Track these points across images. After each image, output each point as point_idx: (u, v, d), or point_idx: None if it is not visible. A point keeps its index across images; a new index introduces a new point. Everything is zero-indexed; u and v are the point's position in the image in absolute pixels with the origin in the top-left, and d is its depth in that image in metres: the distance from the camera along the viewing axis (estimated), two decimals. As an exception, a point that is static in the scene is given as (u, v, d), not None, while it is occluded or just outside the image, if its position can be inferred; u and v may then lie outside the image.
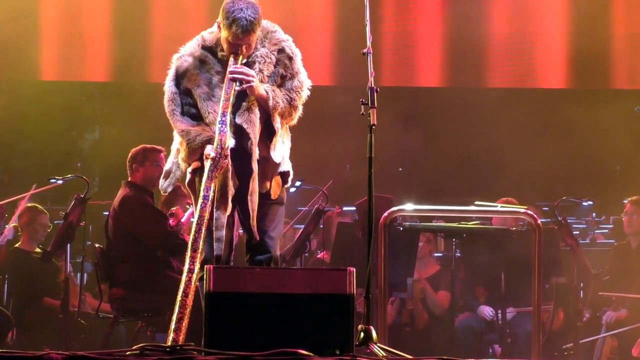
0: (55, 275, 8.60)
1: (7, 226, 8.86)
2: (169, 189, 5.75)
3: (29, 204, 8.85)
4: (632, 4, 11.08)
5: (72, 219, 7.76)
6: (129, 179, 7.79)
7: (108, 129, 12.59)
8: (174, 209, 7.69)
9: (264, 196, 5.60)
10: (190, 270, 5.18)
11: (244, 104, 5.51)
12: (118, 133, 11.25)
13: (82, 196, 7.80)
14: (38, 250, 8.51)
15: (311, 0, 11.28)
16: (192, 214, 7.39)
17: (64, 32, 10.91)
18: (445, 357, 4.60)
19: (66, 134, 12.58)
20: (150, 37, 10.93)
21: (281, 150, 5.64)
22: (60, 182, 8.60)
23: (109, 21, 10.95)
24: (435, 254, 9.40)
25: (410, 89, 11.83)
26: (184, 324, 5.06)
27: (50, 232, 8.72)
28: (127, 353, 4.53)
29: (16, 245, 8.80)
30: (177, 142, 5.65)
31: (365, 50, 5.36)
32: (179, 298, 5.11)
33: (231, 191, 5.43)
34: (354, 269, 4.74)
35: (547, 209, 10.59)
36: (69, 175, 8.45)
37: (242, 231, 5.78)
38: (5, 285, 8.69)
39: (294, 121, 5.69)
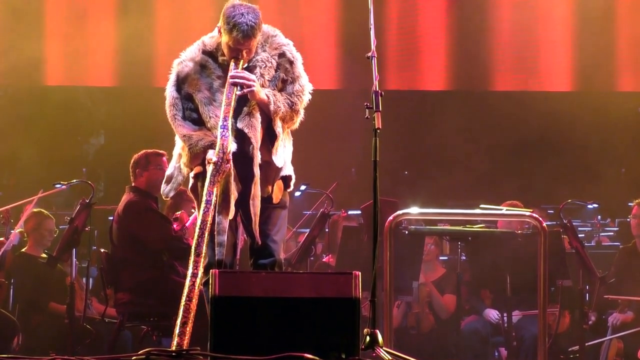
0: (61, 280, 8.60)
1: (12, 231, 8.87)
2: (171, 194, 5.75)
3: (34, 209, 8.86)
4: (636, 7, 11.08)
5: (77, 224, 7.76)
6: (133, 184, 7.79)
7: (113, 134, 12.62)
8: (178, 213, 7.69)
9: (266, 200, 5.61)
10: (194, 275, 5.19)
11: (245, 108, 5.51)
12: (123, 138, 11.27)
13: (88, 201, 7.82)
14: (44, 255, 8.52)
15: (316, 4, 11.29)
16: (196, 218, 7.40)
17: (69, 37, 10.93)
18: (450, 361, 4.61)
19: (71, 139, 12.60)
20: (155, 41, 10.94)
21: (283, 155, 5.63)
22: (65, 187, 8.60)
23: (114, 26, 10.97)
24: (441, 257, 9.40)
25: (415, 92, 11.84)
26: (188, 328, 5.07)
27: (55, 237, 8.73)
28: (133, 358, 4.54)
29: (22, 250, 8.80)
30: (179, 147, 5.66)
31: (369, 54, 5.36)
32: (182, 302, 5.12)
33: (234, 195, 5.44)
34: (360, 273, 4.73)
35: (552, 211, 10.58)
36: (74, 180, 8.46)
37: (246, 235, 5.78)
38: (11, 290, 8.70)
39: (296, 125, 5.69)
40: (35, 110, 11.29)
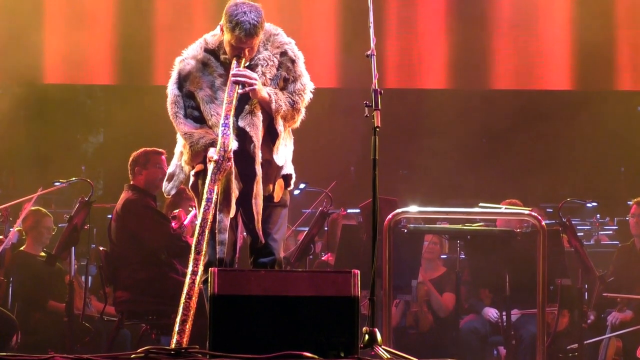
0: (59, 279, 8.60)
1: (11, 229, 8.86)
2: (173, 192, 5.76)
3: (33, 207, 8.85)
4: (635, 6, 11.08)
5: (76, 222, 7.76)
6: (131, 182, 7.78)
7: (112, 132, 12.61)
8: (176, 211, 7.69)
9: (267, 199, 5.61)
10: (194, 273, 5.19)
11: (246, 107, 5.51)
12: (122, 136, 11.27)
13: (87, 199, 7.82)
14: (43, 253, 8.52)
15: (315, 2, 11.28)
16: (194, 216, 7.40)
17: (69, 35, 10.92)
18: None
19: (71, 137, 12.60)
20: (155, 39, 10.93)
21: (284, 153, 5.64)
22: (64, 185, 8.60)
23: (113, 24, 10.96)
24: (440, 256, 9.40)
25: (414, 90, 11.84)
26: (187, 326, 5.07)
27: (54, 235, 8.72)
28: (132, 356, 4.54)
29: (21, 248, 8.80)
30: (181, 145, 5.66)
31: (369, 53, 5.36)
32: (182, 300, 5.13)
33: (235, 194, 5.44)
34: (359, 271, 4.73)
35: (551, 210, 10.59)
36: (74, 179, 8.46)
37: (245, 234, 5.78)
38: (10, 289, 8.69)
39: (297, 124, 5.69)
40: (34, 108, 11.28)
